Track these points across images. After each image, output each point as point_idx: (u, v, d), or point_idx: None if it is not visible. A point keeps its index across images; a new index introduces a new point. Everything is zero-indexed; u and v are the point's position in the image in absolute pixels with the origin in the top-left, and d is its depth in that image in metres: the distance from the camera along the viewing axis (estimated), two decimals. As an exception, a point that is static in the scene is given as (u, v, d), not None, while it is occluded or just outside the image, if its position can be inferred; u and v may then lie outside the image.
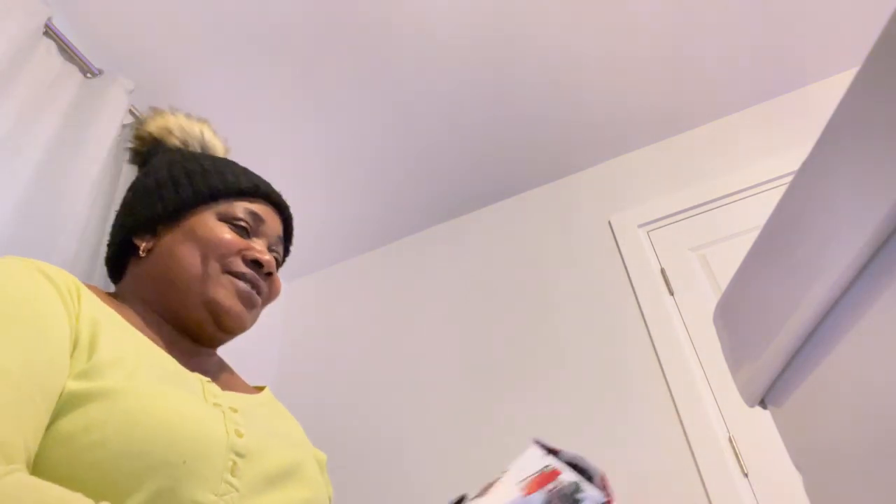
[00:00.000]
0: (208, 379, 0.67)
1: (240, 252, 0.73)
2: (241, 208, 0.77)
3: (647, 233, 1.88)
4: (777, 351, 0.55)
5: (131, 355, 0.58)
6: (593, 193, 2.05)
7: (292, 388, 2.10)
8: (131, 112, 1.48)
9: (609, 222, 1.95)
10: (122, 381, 0.54)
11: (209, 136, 0.92)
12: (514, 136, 1.94)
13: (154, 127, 0.89)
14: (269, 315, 1.63)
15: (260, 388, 0.82)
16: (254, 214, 0.77)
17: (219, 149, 0.93)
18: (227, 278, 0.72)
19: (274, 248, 0.81)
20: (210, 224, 0.73)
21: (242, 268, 0.73)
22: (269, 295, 0.79)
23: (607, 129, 1.97)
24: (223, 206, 0.76)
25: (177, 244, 0.72)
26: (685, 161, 1.96)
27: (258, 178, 0.83)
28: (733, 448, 1.46)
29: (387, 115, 1.80)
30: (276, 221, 0.82)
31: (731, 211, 1.79)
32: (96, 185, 1.25)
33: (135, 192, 0.80)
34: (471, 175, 2.07)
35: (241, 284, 0.73)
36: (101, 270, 1.20)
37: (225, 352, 0.84)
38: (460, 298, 2.06)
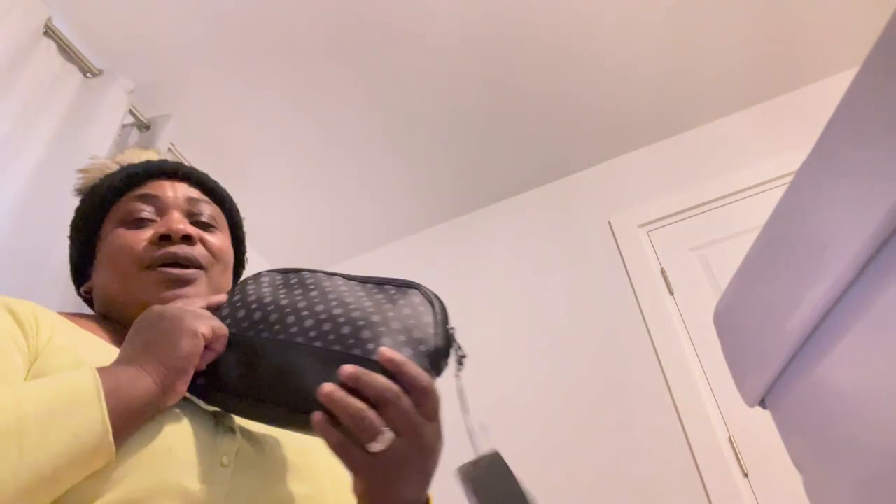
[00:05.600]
0: None
1: (142, 243, 0.69)
2: (129, 202, 0.72)
3: (647, 233, 1.88)
4: (777, 351, 0.55)
5: (83, 346, 0.58)
6: (593, 193, 2.05)
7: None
8: (131, 112, 1.48)
9: (609, 222, 1.95)
10: (67, 364, 0.54)
11: (124, 155, 0.84)
12: (514, 137, 1.94)
13: (86, 180, 0.82)
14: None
15: None
16: (144, 197, 0.72)
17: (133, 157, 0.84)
18: (146, 274, 0.67)
19: (193, 210, 0.74)
20: (111, 239, 0.70)
21: (154, 252, 0.68)
22: (214, 254, 0.72)
23: (607, 129, 1.97)
24: (116, 213, 0.73)
25: (100, 276, 0.72)
26: (685, 161, 1.96)
27: (142, 163, 0.77)
28: (733, 448, 1.46)
29: (387, 115, 1.80)
30: (177, 187, 0.75)
31: (731, 211, 1.79)
32: (96, 185, 1.25)
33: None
34: (471, 175, 2.07)
35: (164, 270, 0.67)
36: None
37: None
38: (460, 298, 2.06)
